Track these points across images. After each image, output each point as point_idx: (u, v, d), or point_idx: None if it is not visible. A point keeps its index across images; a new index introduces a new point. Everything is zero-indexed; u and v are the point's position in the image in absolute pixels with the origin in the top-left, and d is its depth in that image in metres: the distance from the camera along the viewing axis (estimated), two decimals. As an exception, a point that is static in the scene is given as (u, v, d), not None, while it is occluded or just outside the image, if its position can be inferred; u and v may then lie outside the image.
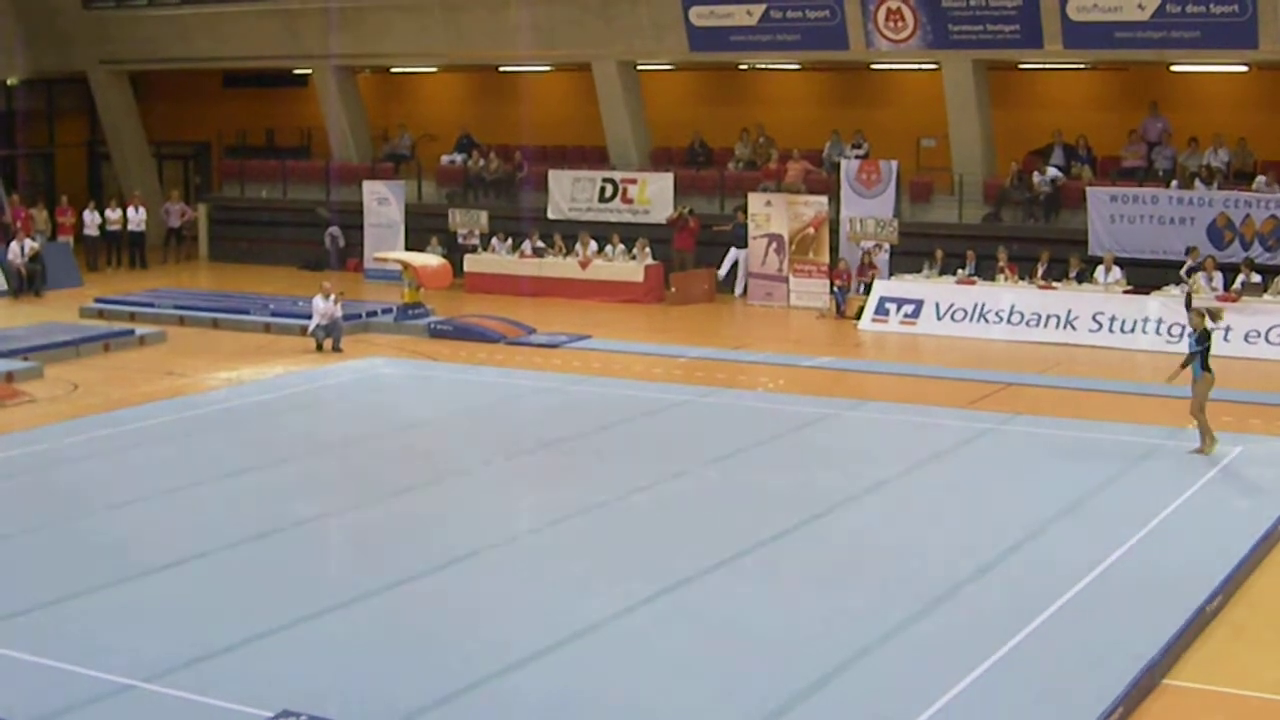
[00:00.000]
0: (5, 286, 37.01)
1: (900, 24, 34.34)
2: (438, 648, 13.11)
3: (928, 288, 31.89)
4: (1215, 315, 20.67)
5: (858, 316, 32.06)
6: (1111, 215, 32.15)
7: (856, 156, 36.07)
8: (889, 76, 38.41)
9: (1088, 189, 32.94)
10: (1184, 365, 20.39)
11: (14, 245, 37.03)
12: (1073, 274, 31.44)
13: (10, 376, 25.55)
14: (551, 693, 12.04)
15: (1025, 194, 34.44)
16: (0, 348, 27.37)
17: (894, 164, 34.67)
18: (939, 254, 32.87)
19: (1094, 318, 29.88)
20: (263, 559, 15.81)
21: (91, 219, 41.59)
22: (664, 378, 25.92)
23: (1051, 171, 34.43)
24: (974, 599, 14.35)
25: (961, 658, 12.57)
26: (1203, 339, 20.11)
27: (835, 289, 33.48)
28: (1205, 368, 20.06)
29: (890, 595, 14.40)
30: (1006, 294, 30.99)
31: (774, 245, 34.84)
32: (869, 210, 34.25)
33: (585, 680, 12.29)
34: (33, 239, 37.78)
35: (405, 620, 13.90)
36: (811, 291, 34.19)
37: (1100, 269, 31.13)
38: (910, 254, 33.53)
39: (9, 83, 46.43)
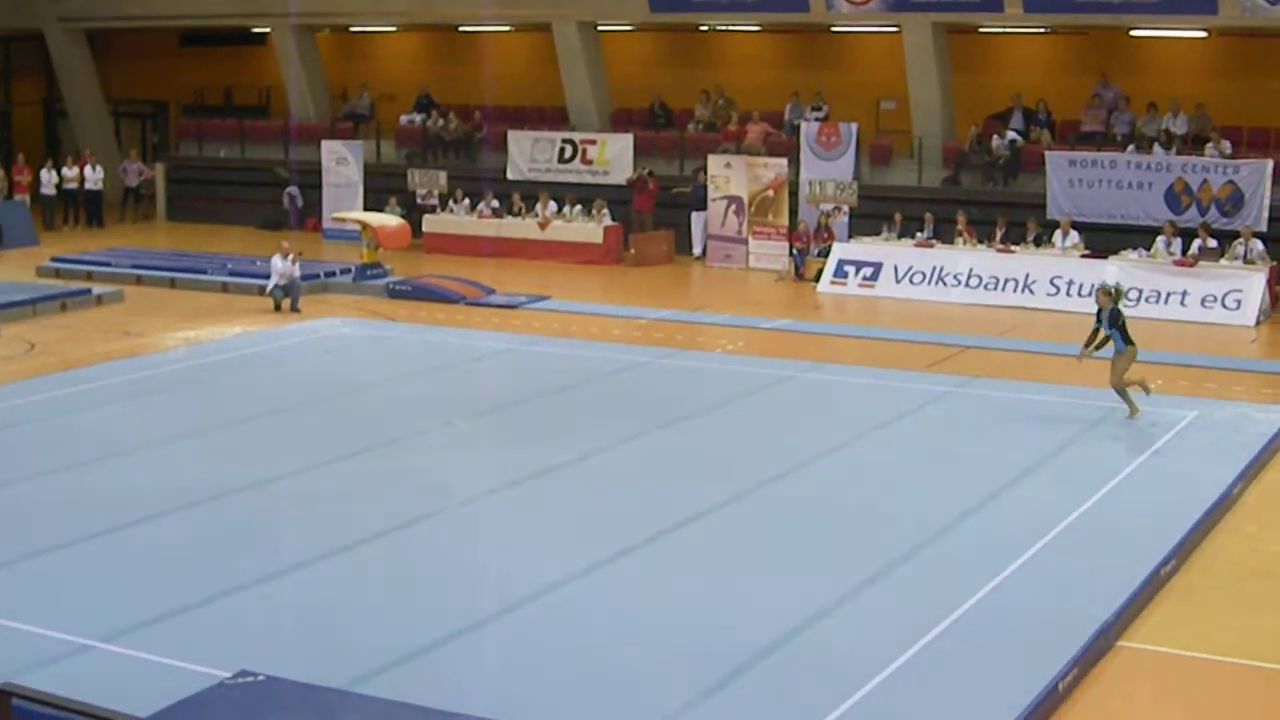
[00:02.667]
0: (-39, 246, 36.87)
1: (861, -14, 34.35)
2: (393, 609, 13.13)
3: (886, 250, 31.96)
4: (1120, 293, 20.60)
5: (816, 279, 32.12)
6: (1070, 179, 32.22)
7: (816, 119, 36.07)
8: (849, 39, 38.40)
9: (1047, 153, 33.00)
10: (1095, 346, 20.51)
11: (-31, 204, 36.87)
12: (1030, 238, 31.53)
13: (-34, 336, 25.46)
14: (510, 654, 12.08)
15: (984, 157, 34.51)
16: (-44, 307, 27.28)
17: (853, 126, 34.67)
18: (898, 217, 32.92)
19: (1052, 281, 29.99)
20: (221, 519, 15.78)
21: (48, 178, 41.35)
22: (623, 339, 25.95)
23: (1010, 135, 34.49)
24: (930, 561, 14.43)
25: (917, 619, 12.64)
26: (1115, 317, 20.17)
27: (794, 251, 33.52)
28: (1128, 342, 20.15)
29: (847, 557, 14.46)
30: (965, 257, 31.07)
31: (733, 207, 34.85)
32: (828, 173, 34.26)
33: (544, 641, 12.33)
34: (-11, 197, 37.62)
35: (362, 581, 13.90)
36: (770, 254, 34.22)
37: (1058, 233, 31.22)
38: (869, 217, 33.58)
39: (-35, 40, 46.20)
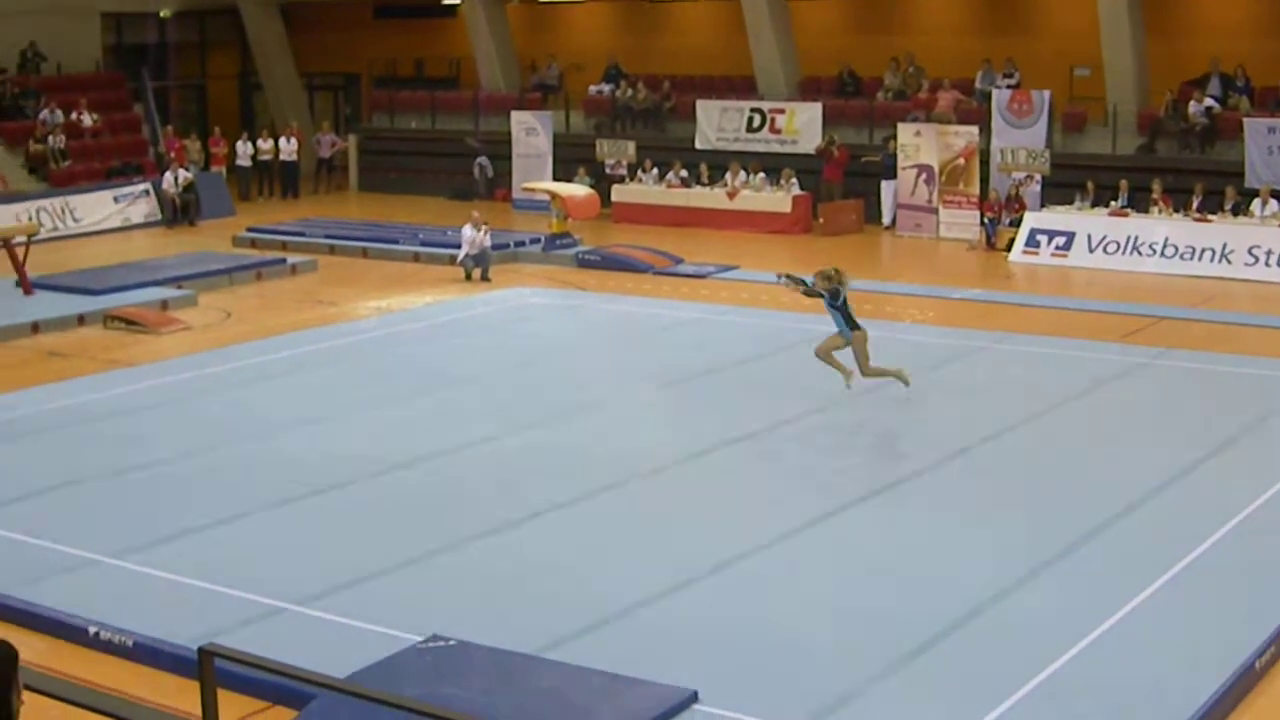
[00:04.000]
0: (160, 216, 37.59)
1: (1054, -49, 33.84)
2: (581, 576, 13.21)
3: (1080, 219, 31.44)
4: (842, 279, 19.25)
5: (1008, 248, 31.72)
6: (1269, 147, 31.51)
7: (1008, 86, 35.60)
8: (1042, 4, 37.85)
9: (1245, 120, 32.30)
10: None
11: (168, 176, 37.56)
12: (1228, 206, 30.88)
13: (165, 304, 25.96)
14: (694, 622, 12.09)
15: (1180, 125, 33.85)
16: (155, 276, 27.83)
17: (1046, 94, 34.16)
18: (1091, 185, 32.38)
19: (1250, 251, 29.32)
20: (412, 485, 15.98)
21: (244, 149, 42.05)
22: (812, 309, 25.63)
23: (1207, 101, 33.79)
24: (1125, 535, 14.19)
25: (1111, 593, 12.47)
26: (834, 297, 19.03)
27: (985, 220, 33.13)
28: (854, 326, 19.05)
29: (1040, 530, 14.28)
30: (1160, 226, 30.48)
31: (923, 176, 34.52)
32: (1020, 141, 33.81)
33: (730, 613, 12.32)
34: (186, 169, 38.29)
35: (551, 549, 13.99)
36: (961, 223, 33.85)
37: (1257, 202, 30.53)
38: (1062, 185, 33.07)
39: (162, 15, 46.99)
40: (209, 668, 7.99)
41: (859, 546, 14.01)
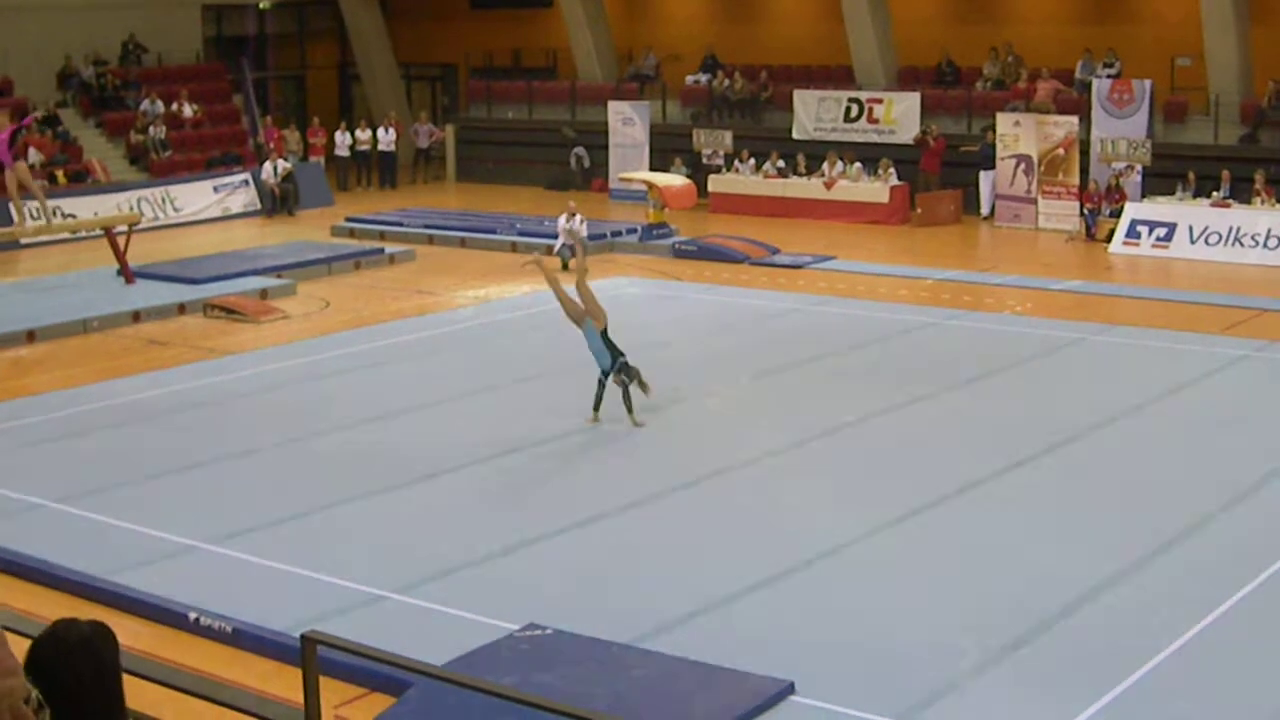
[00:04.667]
0: (259, 206, 37.89)
1: (1156, -61, 33.49)
2: (678, 567, 13.21)
3: (1181, 210, 31.12)
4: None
5: (1108, 239, 31.43)
6: (1376, 136, 31.10)
7: (1108, 76, 35.28)
8: (1143, -7, 37.53)
9: (1351, 109, 31.90)
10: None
11: (268, 165, 37.84)
12: (1333, 197, 30.51)
13: (265, 293, 26.17)
14: (790, 614, 12.06)
15: (1284, 114, 33.48)
16: (255, 265, 28.05)
17: (1147, 83, 33.82)
18: (1192, 176, 32.05)
19: (1354, 242, 28.98)
20: (510, 474, 16.04)
21: (342, 140, 42.29)
22: (909, 299, 25.70)
23: (1313, 91, 33.40)
24: (1220, 535, 14.02)
25: (1204, 596, 12.31)
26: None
27: (1085, 211, 32.85)
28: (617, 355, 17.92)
29: (1138, 524, 14.15)
30: (1263, 217, 30.12)
31: (1022, 166, 34.27)
32: (1121, 130, 33.50)
33: (827, 605, 12.29)
34: (285, 159, 38.57)
35: (648, 538, 14.00)
36: (1061, 213, 33.59)
37: (1363, 192, 30.16)
38: (1163, 175, 32.73)
39: (261, 6, 47.33)
40: (311, 654, 8.03)
41: (955, 540, 13.92)
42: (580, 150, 41.81)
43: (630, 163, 39.03)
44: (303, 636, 8.16)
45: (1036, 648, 11.38)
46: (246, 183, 38.10)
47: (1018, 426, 17.62)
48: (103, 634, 4.80)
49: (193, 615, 12.09)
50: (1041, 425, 17.55)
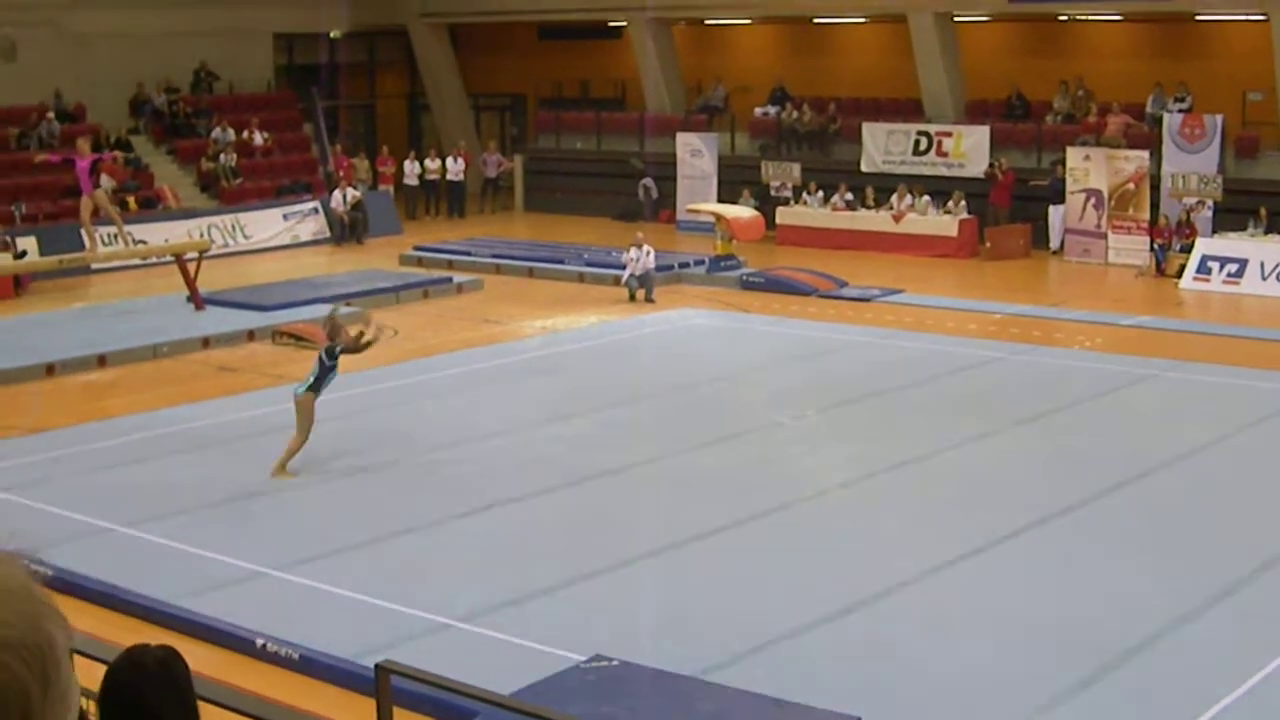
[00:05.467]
0: (329, 234, 38.07)
1: (1229, -27, 33.31)
2: (746, 599, 13.16)
3: (1253, 246, 30.90)
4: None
5: (1178, 275, 31.23)
6: None
7: (1179, 110, 35.09)
8: (1214, 28, 37.25)
9: None
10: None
11: (337, 194, 38.05)
12: (1407, 234, 30.23)
13: (334, 321, 26.25)
14: (859, 648, 12.00)
15: (1358, 150, 33.22)
16: (324, 293, 28.15)
17: (1219, 118, 33.62)
18: (1264, 212, 31.83)
19: None
20: (577, 504, 16.03)
21: (411, 169, 42.49)
22: (978, 334, 25.59)
23: (1388, 127, 33.14)
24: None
25: (1278, 634, 12.19)
26: (330, 355, 17.36)
27: (1156, 246, 32.65)
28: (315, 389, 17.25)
29: (1206, 564, 14.01)
30: (1337, 254, 29.90)
31: (1092, 200, 34.10)
32: (1192, 166, 33.30)
33: (894, 638, 12.22)
34: (355, 188, 38.79)
35: (716, 570, 13.96)
36: (1131, 248, 33.38)
37: None
38: (1234, 211, 32.52)
39: (332, 35, 47.59)
40: (385, 683, 8.03)
41: (1024, 574, 13.83)
42: (648, 181, 41.84)
43: (698, 194, 39.03)
44: (377, 666, 8.16)
45: (1106, 685, 11.27)
46: (316, 211, 38.32)
47: (1088, 462, 17.50)
48: (176, 658, 4.81)
49: (259, 641, 12.12)
50: (1112, 461, 17.42)
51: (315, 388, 17.21)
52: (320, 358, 17.35)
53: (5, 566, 1.70)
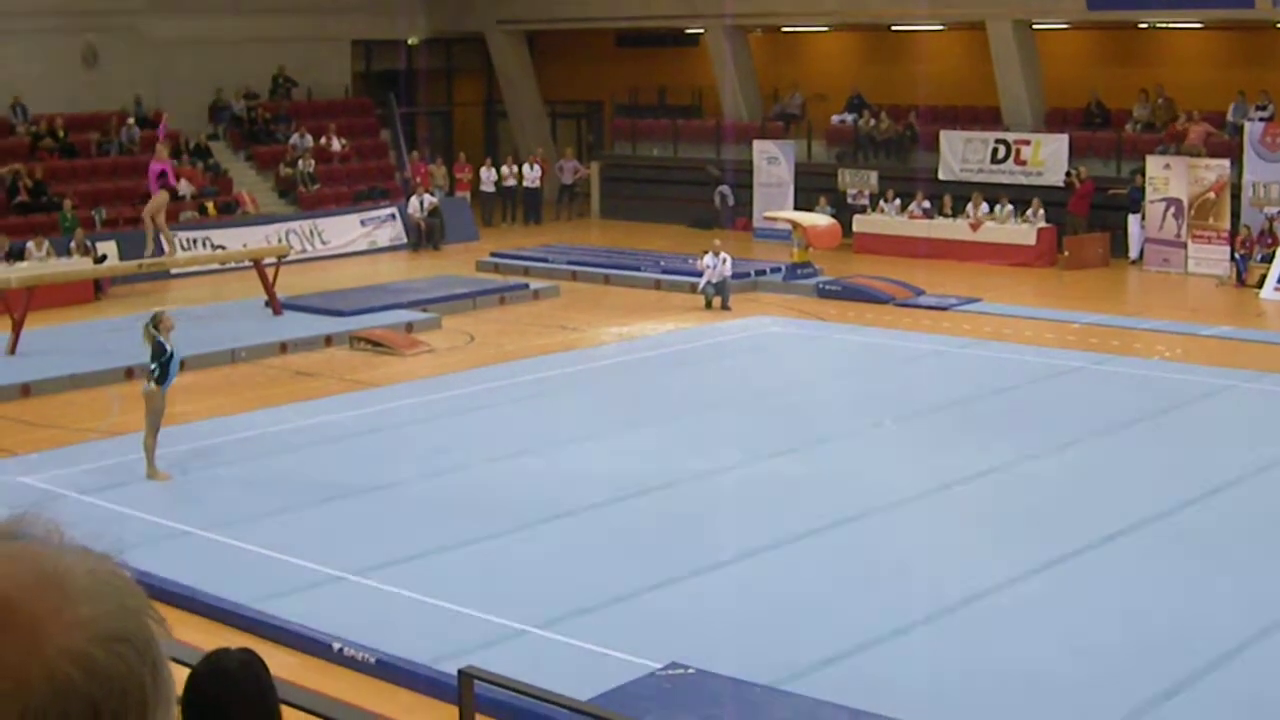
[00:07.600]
0: (405, 240, 38.22)
1: (1313, -19, 32.99)
2: (821, 609, 13.11)
3: (1335, 256, 30.63)
4: (161, 324, 17.74)
5: (1259, 285, 30.95)
6: None
7: (1261, 119, 34.78)
8: (1298, 36, 36.98)
9: None
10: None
11: (414, 200, 38.19)
12: None
13: (410, 327, 26.37)
14: (934, 659, 11.92)
15: None
16: (401, 299, 28.28)
17: (1302, 127, 33.37)
18: (1347, 221, 31.55)
19: None
20: (654, 512, 16.01)
21: (488, 175, 42.64)
22: (1056, 343, 25.42)
23: None
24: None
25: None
26: (158, 353, 17.47)
27: (1237, 256, 32.37)
28: (159, 381, 17.43)
29: (1287, 577, 13.88)
30: None
31: (1172, 210, 33.82)
32: (1273, 174, 32.99)
33: (970, 650, 12.14)
34: (431, 194, 38.90)
35: (792, 579, 13.92)
36: (1211, 258, 33.10)
37: None
38: (1317, 221, 32.24)
39: (410, 42, 47.77)
40: (469, 689, 8.03)
41: (1102, 588, 13.71)
42: (725, 189, 41.77)
43: (775, 202, 38.95)
44: (460, 672, 8.16)
45: (1183, 700, 11.16)
46: (393, 217, 38.46)
47: (1168, 474, 17.35)
48: (257, 661, 4.83)
49: (336, 645, 12.15)
50: (1192, 473, 17.26)
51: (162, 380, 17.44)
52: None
53: (104, 563, 1.69)
